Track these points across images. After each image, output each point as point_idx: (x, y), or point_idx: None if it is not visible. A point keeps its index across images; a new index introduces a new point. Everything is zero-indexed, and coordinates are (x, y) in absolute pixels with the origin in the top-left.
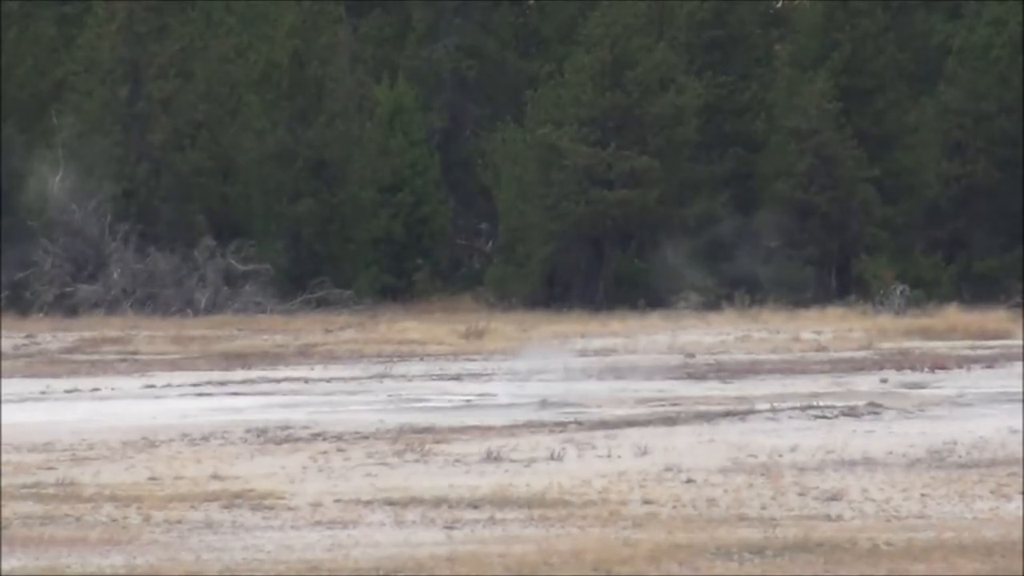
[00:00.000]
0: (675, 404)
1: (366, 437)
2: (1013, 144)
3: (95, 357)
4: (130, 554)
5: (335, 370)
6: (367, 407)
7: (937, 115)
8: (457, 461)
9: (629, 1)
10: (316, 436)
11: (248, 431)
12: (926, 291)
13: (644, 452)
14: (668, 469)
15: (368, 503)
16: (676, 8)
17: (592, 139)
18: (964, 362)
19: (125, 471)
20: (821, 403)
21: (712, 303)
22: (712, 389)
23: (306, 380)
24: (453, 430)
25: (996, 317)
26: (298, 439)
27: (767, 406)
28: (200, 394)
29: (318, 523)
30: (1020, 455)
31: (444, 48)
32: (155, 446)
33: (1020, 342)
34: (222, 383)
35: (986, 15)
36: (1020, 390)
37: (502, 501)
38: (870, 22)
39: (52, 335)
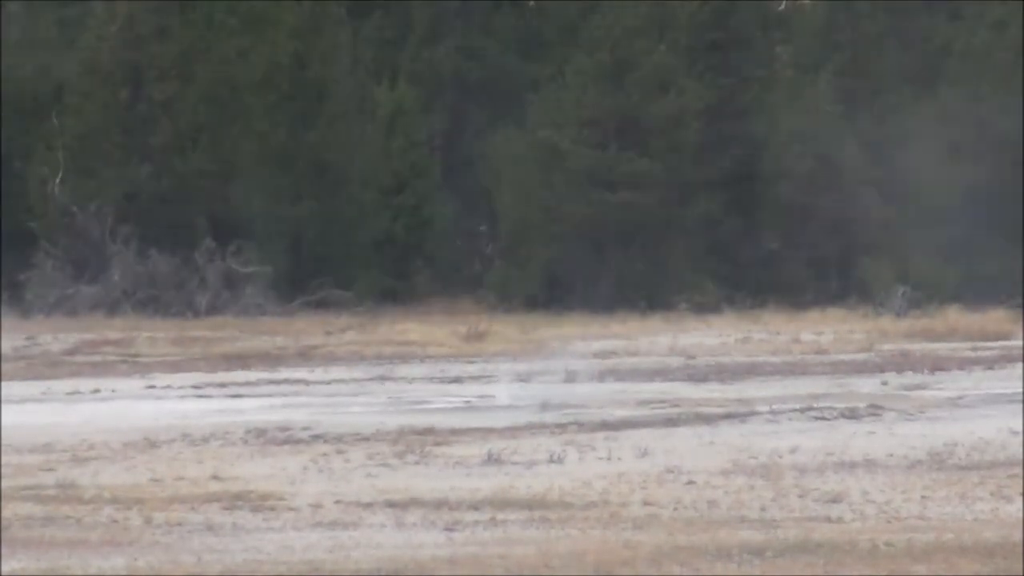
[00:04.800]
0: (676, 406)
1: (366, 439)
2: (1014, 146)
3: (96, 359)
4: (131, 556)
5: (335, 372)
6: (367, 409)
7: (938, 117)
8: (458, 463)
9: (630, 2)
10: (316, 437)
11: (248, 432)
12: (927, 293)
13: (645, 454)
14: (669, 471)
15: (369, 505)
16: (677, 10)
17: (593, 141)
18: (965, 364)
19: (126, 472)
20: (821, 405)
21: (713, 305)
22: (713, 391)
23: (306, 382)
24: (454, 432)
25: (997, 318)
26: (298, 440)
27: (767, 408)
28: (200, 395)
29: (319, 524)
30: (1020, 457)
31: (445, 50)
32: (156, 447)
33: (1020, 343)
34: (222, 384)
35: (987, 17)
36: (1020, 391)
37: (503, 503)
38: (871, 24)
39: (53, 337)
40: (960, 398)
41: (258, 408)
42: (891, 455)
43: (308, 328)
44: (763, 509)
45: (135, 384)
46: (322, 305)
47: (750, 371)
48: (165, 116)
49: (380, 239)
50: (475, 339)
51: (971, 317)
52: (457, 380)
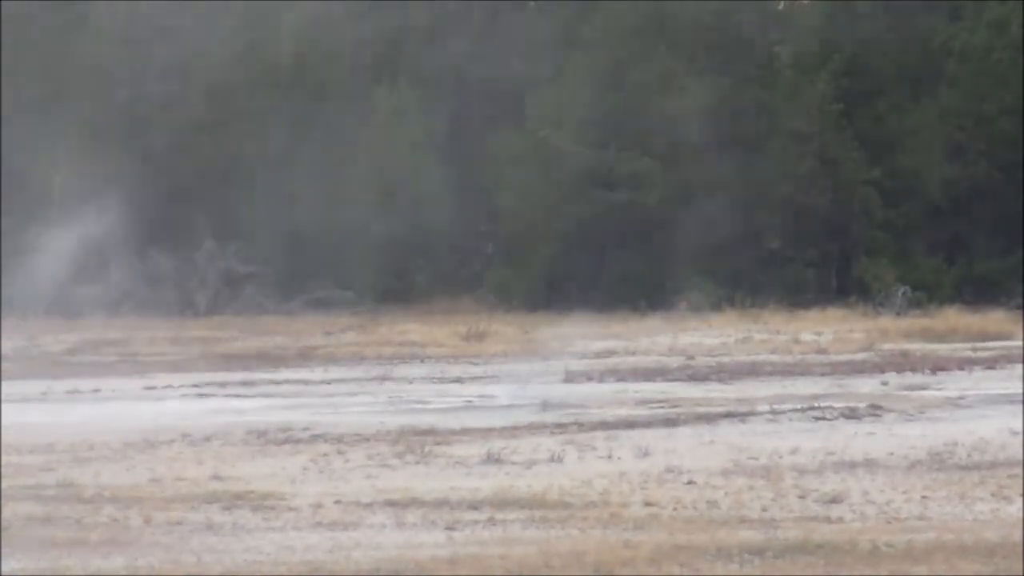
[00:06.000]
0: (676, 406)
1: (367, 439)
2: (1014, 146)
3: (96, 359)
4: (131, 555)
5: (336, 372)
6: (368, 409)
7: (938, 117)
8: (458, 463)
9: (630, 3)
10: (317, 438)
11: (249, 432)
12: (927, 293)
13: (645, 454)
14: (669, 471)
15: (369, 505)
16: (677, 10)
17: (593, 141)
18: (965, 364)
19: (126, 472)
20: (822, 405)
21: (713, 305)
22: (713, 391)
23: (306, 382)
24: (454, 432)
25: (997, 319)
26: (299, 440)
27: (768, 408)
28: (200, 395)
29: (319, 524)
30: (1020, 457)
31: (445, 50)
32: (156, 447)
33: (1020, 343)
34: (222, 384)
35: (987, 17)
36: (1020, 392)
37: (503, 503)
38: (871, 24)
39: (53, 337)
40: (960, 398)
41: (258, 408)
42: (891, 455)
43: (308, 328)
44: (763, 509)
45: (135, 384)
46: (322, 305)
47: (750, 371)
48: (165, 116)
49: (380, 239)
50: (475, 339)
51: (971, 317)
52: (457, 380)
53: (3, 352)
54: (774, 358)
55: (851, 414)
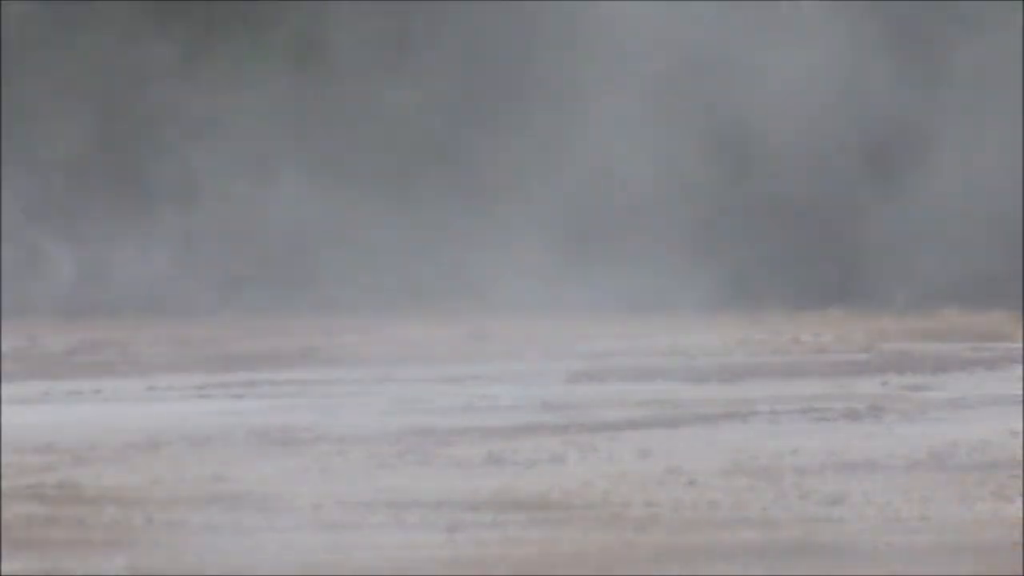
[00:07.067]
0: (676, 406)
1: (367, 439)
2: (1014, 145)
3: (96, 359)
4: (132, 556)
5: (337, 372)
6: (368, 409)
7: (938, 117)
8: (459, 463)
9: (628, 1)
10: (317, 438)
11: (250, 433)
12: (927, 293)
13: (646, 454)
14: (670, 471)
15: (369, 505)
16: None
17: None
18: (965, 364)
19: (127, 473)
20: (822, 405)
21: (713, 305)
22: (713, 391)
23: (307, 382)
24: (455, 432)
25: (997, 319)
26: (299, 441)
27: (768, 408)
28: (202, 396)
29: (319, 525)
30: (1021, 457)
31: (444, 50)
32: (157, 448)
33: (1021, 344)
34: (224, 385)
35: (986, 16)
36: (1021, 392)
37: (504, 503)
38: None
39: (53, 337)
40: (960, 399)
41: (259, 409)
42: (891, 456)
43: (309, 328)
44: (764, 510)
45: (136, 384)
46: (323, 305)
47: (750, 371)
48: (165, 116)
49: (382, 238)
50: (476, 339)
51: (971, 317)
52: (457, 380)
53: (3, 352)
54: (774, 358)
55: (851, 415)
